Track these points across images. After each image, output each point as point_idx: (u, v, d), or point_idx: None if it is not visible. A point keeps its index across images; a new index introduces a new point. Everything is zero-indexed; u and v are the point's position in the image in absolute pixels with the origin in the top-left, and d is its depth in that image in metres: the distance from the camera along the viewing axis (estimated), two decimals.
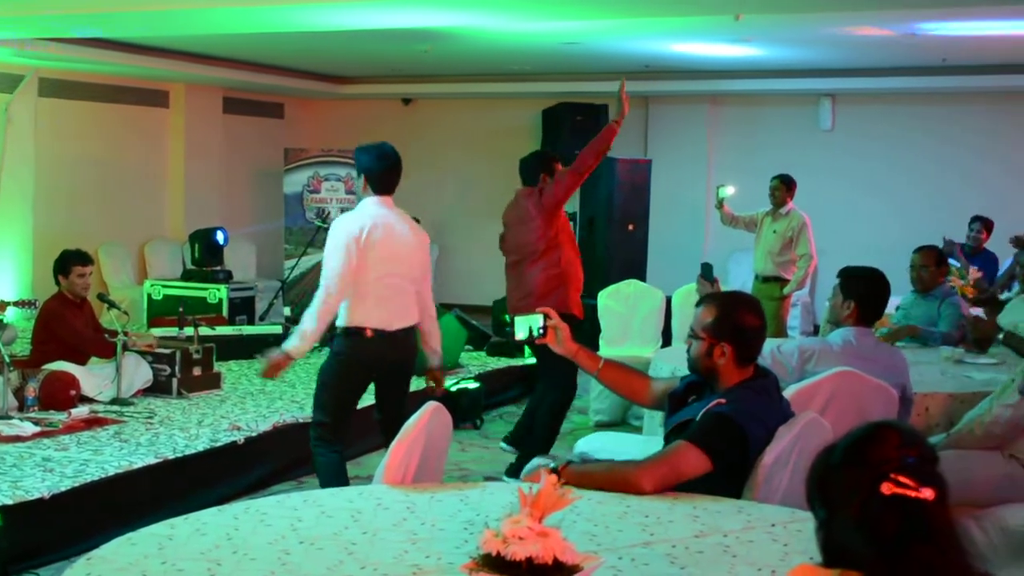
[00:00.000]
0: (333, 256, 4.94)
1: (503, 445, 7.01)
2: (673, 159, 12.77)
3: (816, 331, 9.85)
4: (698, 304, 3.54)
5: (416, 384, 5.46)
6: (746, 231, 9.28)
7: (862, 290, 4.63)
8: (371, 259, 4.95)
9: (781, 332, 8.81)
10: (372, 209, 5.04)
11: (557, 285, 6.51)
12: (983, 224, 10.21)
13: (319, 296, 4.95)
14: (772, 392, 3.47)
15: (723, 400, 3.30)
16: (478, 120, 14.28)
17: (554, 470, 3.22)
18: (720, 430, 3.25)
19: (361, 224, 4.96)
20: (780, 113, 13.03)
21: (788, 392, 4.28)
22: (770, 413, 3.39)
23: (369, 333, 5.01)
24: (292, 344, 5.00)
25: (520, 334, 3.71)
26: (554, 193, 6.46)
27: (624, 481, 3.19)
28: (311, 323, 4.94)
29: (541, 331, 3.67)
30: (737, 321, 3.38)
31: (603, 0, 7.64)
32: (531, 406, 6.87)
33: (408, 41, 9.89)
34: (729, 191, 9.19)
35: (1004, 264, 9.47)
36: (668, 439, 3.41)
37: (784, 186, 8.96)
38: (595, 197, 11.46)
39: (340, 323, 5.06)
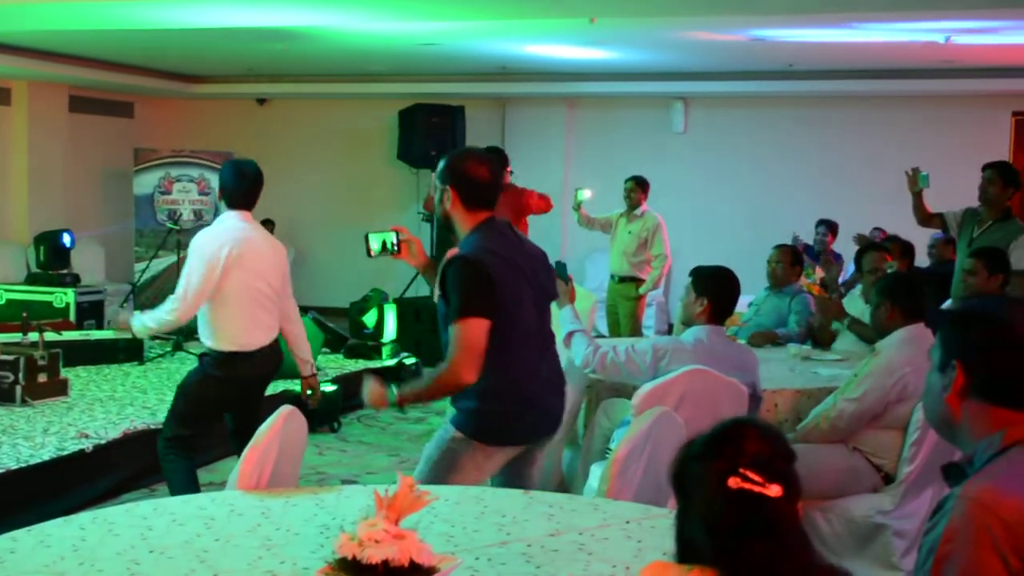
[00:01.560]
0: (195, 271, 4.85)
1: None
2: (531, 161, 12.83)
3: (670, 330, 10.03)
4: None
5: (275, 387, 5.38)
6: (602, 232, 9.39)
7: (713, 287, 4.72)
8: (239, 279, 4.89)
9: (636, 331, 8.95)
10: (232, 224, 4.96)
11: None
12: (828, 227, 10.67)
13: (173, 303, 4.87)
14: (506, 232, 3.68)
15: (455, 250, 3.55)
16: (334, 120, 14.15)
17: (394, 401, 3.46)
18: (463, 278, 3.44)
19: (221, 242, 4.88)
20: (635, 115, 13.22)
21: (642, 390, 4.37)
22: (507, 248, 3.60)
23: (246, 354, 4.97)
24: (140, 323, 4.98)
25: (374, 248, 3.81)
26: None
27: (453, 384, 3.44)
28: (155, 324, 4.94)
29: (395, 246, 3.80)
30: (460, 168, 3.65)
31: (458, 1, 7.65)
32: None
33: (263, 40, 9.74)
34: (587, 195, 9.27)
35: (849, 266, 9.80)
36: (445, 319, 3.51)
37: (638, 187, 9.09)
38: None
39: (217, 345, 4.97)
